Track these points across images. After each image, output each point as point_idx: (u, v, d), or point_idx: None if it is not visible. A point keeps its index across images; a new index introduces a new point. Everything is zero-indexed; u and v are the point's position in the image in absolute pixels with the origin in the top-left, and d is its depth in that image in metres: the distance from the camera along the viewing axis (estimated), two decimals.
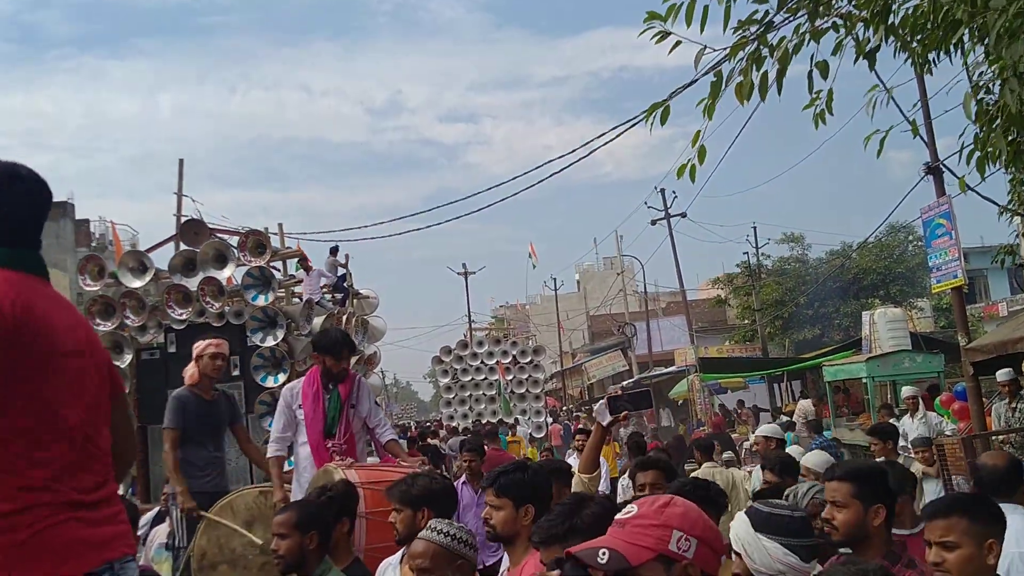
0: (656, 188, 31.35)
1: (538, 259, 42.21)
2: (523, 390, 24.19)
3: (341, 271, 14.36)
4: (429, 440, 17.56)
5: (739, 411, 24.88)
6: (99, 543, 2.29)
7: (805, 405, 19.23)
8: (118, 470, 2.55)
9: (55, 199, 2.56)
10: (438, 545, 3.23)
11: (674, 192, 29.83)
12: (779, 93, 4.34)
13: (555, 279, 50.18)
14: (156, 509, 7.27)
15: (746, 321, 33.34)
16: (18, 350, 2.19)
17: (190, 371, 6.10)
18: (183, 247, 11.06)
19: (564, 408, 40.46)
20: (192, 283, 10.50)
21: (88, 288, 10.90)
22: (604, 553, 1.87)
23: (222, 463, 6.13)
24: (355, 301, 14.16)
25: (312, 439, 5.58)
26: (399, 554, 4.21)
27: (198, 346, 6.18)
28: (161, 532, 6.41)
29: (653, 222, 30.20)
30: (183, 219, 12.07)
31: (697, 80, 5.31)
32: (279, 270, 11.81)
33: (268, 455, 5.59)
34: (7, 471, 2.18)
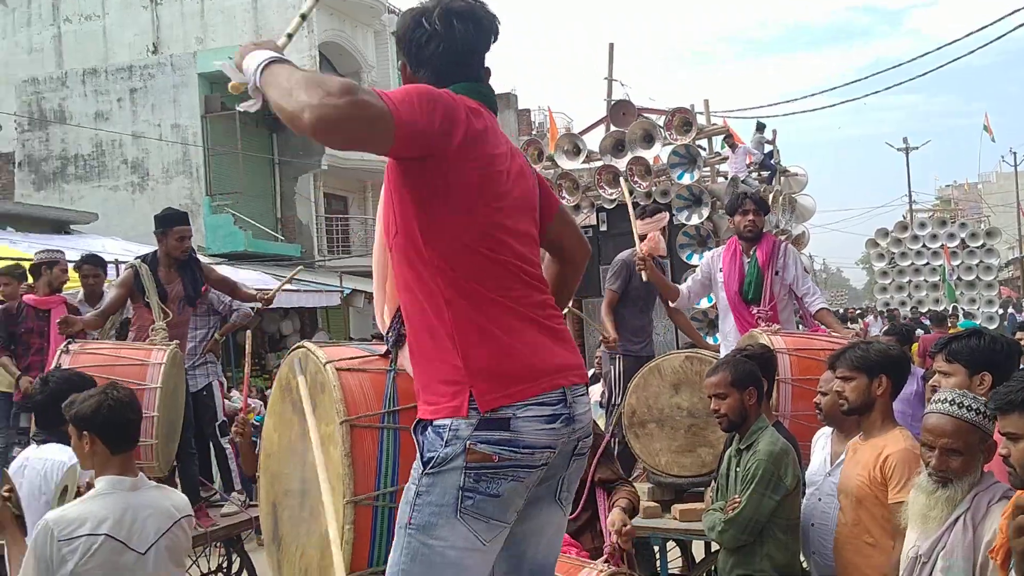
0: None
1: (994, 133, 37.41)
2: (972, 277, 22.07)
3: (768, 148, 13.89)
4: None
5: None
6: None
7: None
8: (560, 299, 2.63)
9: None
10: (965, 422, 2.84)
11: None
12: None
13: (1015, 154, 44.49)
14: (591, 372, 7.77)
15: None
16: (462, 162, 2.23)
17: (644, 246, 6.24)
18: (613, 128, 11.38)
19: (1020, 298, 36.28)
20: (621, 163, 10.82)
21: None
22: None
23: (651, 331, 6.36)
24: (782, 179, 13.67)
25: (733, 302, 5.63)
26: (827, 430, 4.09)
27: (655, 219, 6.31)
28: (595, 392, 6.85)
29: None
30: (611, 102, 12.38)
31: None
32: (704, 148, 11.70)
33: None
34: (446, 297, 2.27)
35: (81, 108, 19.51)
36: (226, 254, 17.64)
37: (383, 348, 3.32)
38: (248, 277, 14.80)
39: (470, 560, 2.23)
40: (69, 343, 5.16)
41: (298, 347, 3.68)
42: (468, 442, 2.20)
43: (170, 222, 5.92)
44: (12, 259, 8.22)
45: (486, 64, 2.48)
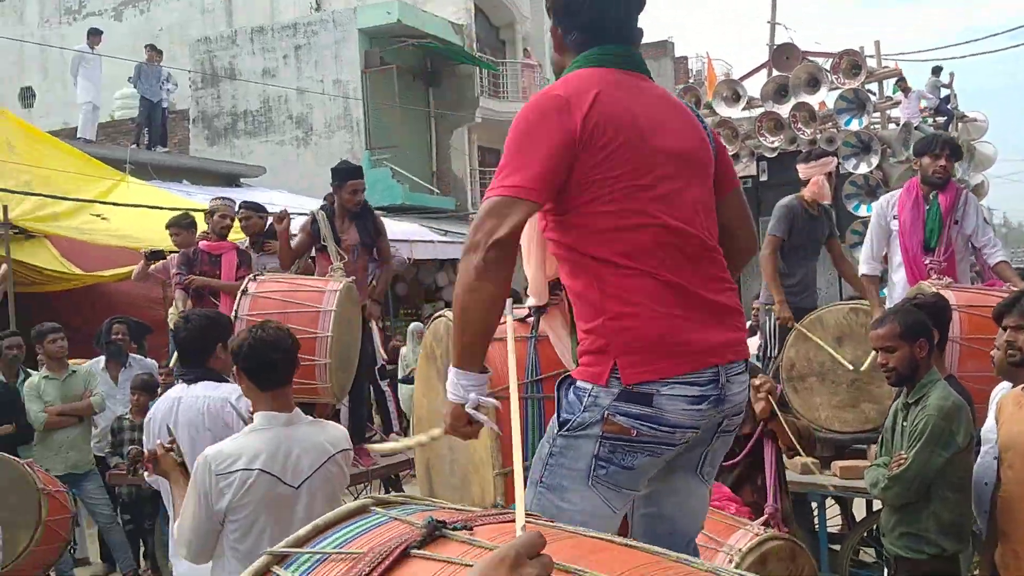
0: None
1: None
2: None
3: (944, 92, 13.10)
4: None
5: None
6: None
7: None
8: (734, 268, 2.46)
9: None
10: None
11: None
12: None
13: None
14: (748, 324, 7.58)
15: None
16: (597, 147, 2.18)
17: (809, 190, 5.98)
18: (775, 73, 10.97)
19: None
20: (783, 110, 10.43)
21: None
22: None
23: (814, 281, 6.09)
24: (960, 125, 12.88)
25: (908, 250, 5.25)
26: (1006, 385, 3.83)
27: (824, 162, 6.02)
28: (752, 344, 6.65)
29: None
30: (774, 46, 11.92)
31: None
32: (874, 93, 11.12)
33: (862, 274, 5.40)
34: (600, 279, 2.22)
35: (249, 65, 20.33)
36: (384, 207, 18.09)
37: (523, 311, 3.29)
38: (406, 230, 15.19)
39: (598, 523, 2.16)
40: (257, 275, 5.53)
41: (439, 316, 3.73)
42: (607, 411, 2.16)
43: (345, 176, 6.18)
44: (189, 209, 8.67)
45: (638, 26, 2.40)
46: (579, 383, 2.23)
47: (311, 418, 3.36)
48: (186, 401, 3.83)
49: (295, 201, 12.94)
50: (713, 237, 2.33)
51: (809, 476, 4.73)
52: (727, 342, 2.25)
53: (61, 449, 6.51)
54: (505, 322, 3.24)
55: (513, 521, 1.35)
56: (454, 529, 1.29)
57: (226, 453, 3.13)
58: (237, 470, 3.07)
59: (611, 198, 2.19)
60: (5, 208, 9.28)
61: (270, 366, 3.19)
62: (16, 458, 5.65)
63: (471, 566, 1.11)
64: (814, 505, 4.93)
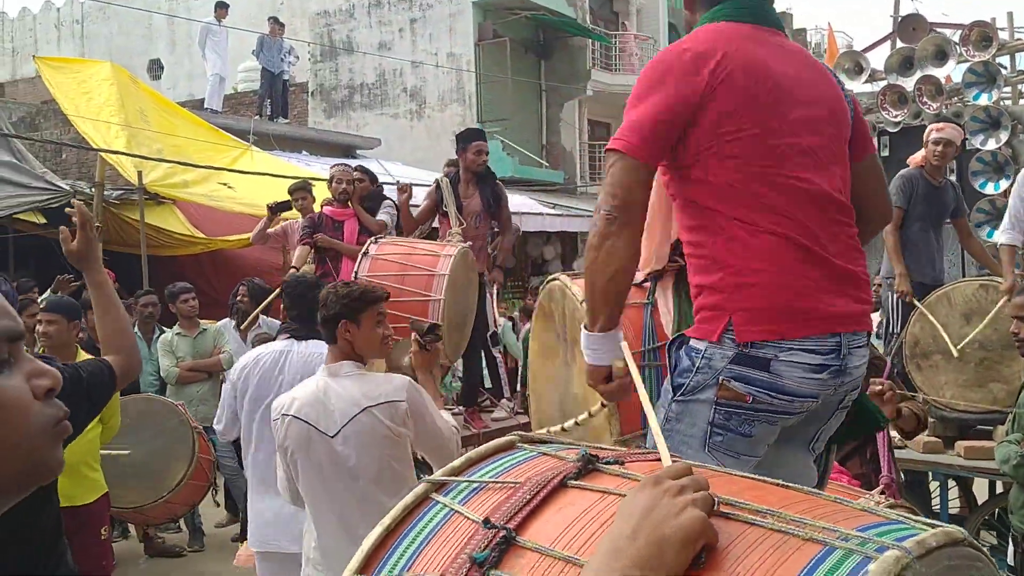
0: None
1: None
2: None
3: None
4: None
5: None
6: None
7: None
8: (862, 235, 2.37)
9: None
10: None
11: None
12: None
13: None
14: None
15: None
16: (725, 102, 2.13)
17: (919, 154, 5.93)
18: (900, 45, 10.59)
19: None
20: (908, 83, 10.08)
21: None
22: None
23: (938, 255, 5.93)
24: None
25: None
26: None
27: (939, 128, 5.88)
28: (872, 320, 6.51)
29: None
30: (899, 17, 11.50)
31: None
32: (1005, 67, 10.63)
33: (1000, 243, 5.22)
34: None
35: (366, 39, 20.72)
36: None
37: (641, 276, 3.30)
38: (515, 202, 15.23)
39: None
40: (379, 237, 5.76)
41: (553, 279, 3.77)
42: (721, 376, 2.10)
43: (469, 138, 6.39)
44: (309, 178, 8.97)
45: None
46: (691, 342, 2.18)
47: (362, 371, 3.38)
48: (296, 355, 4.04)
49: (408, 172, 13.19)
50: (847, 201, 2.25)
51: (932, 455, 4.63)
52: (852, 312, 2.17)
53: (191, 403, 6.85)
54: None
55: (660, 460, 1.40)
56: (606, 463, 1.35)
57: (278, 402, 3.37)
58: (278, 417, 3.30)
59: (742, 153, 2.13)
60: (140, 174, 9.76)
61: (324, 324, 3.36)
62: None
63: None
64: (933, 486, 4.83)
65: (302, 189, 7.59)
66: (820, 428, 2.27)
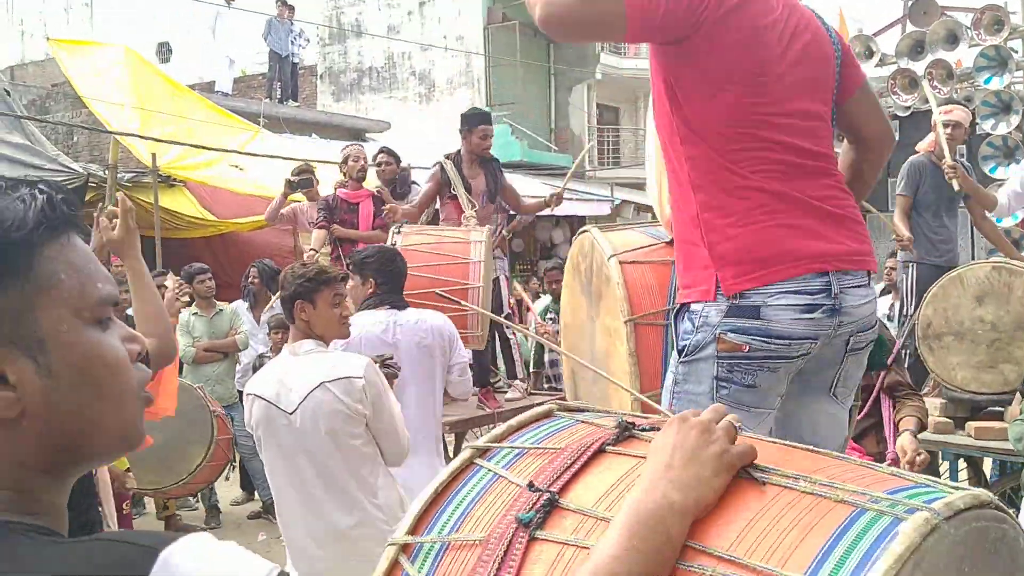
0: None
1: None
2: None
3: None
4: None
5: None
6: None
7: None
8: (856, 192, 2.37)
9: None
10: None
11: None
12: None
13: None
14: (882, 284, 7.46)
15: None
16: (718, 34, 2.10)
17: (927, 139, 5.97)
18: (911, 28, 10.58)
19: None
20: (919, 67, 10.09)
21: None
22: None
23: (949, 238, 5.98)
24: None
25: None
26: None
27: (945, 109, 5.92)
28: (882, 304, 6.57)
29: None
30: (911, 1, 11.48)
31: None
32: (1016, 51, 10.62)
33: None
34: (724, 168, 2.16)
35: (375, 21, 20.69)
36: (503, 164, 18.25)
37: (670, 235, 3.32)
38: (523, 186, 15.28)
39: None
40: (400, 226, 5.76)
41: (584, 231, 3.79)
42: (718, 330, 2.14)
43: (474, 121, 6.37)
44: (320, 162, 9.01)
45: None
46: (691, 307, 2.21)
47: (322, 349, 3.42)
48: (405, 324, 4.17)
49: (417, 156, 13.20)
50: (828, 148, 2.27)
51: (942, 435, 4.69)
52: (841, 251, 2.18)
53: (208, 382, 6.92)
54: (645, 245, 3.28)
55: None
56: (642, 431, 1.41)
57: (252, 380, 3.54)
58: (248, 394, 3.41)
59: (717, 109, 2.14)
60: (154, 156, 9.82)
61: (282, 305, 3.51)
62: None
63: None
64: (946, 464, 4.89)
65: (307, 172, 7.54)
66: (836, 373, 2.29)
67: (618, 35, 2.15)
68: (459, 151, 6.36)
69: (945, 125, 5.77)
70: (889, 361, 4.06)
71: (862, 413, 4.03)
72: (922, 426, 4.09)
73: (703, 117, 2.16)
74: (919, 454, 3.63)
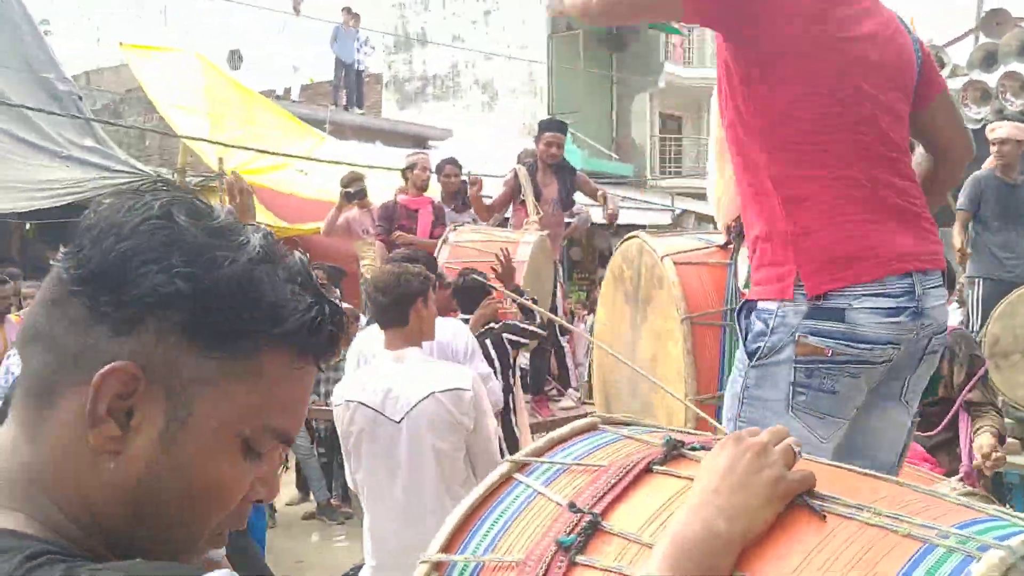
0: None
1: None
2: None
3: None
4: None
5: None
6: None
7: None
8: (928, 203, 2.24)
9: None
10: None
11: None
12: None
13: None
14: (953, 301, 7.26)
15: None
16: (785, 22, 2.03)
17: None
18: (983, 40, 10.31)
19: None
20: (991, 79, 9.83)
21: None
22: None
23: (1022, 253, 5.81)
24: None
25: None
26: None
27: None
28: (952, 317, 6.38)
29: None
30: (983, 12, 11.20)
31: None
32: None
33: None
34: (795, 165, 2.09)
35: (439, 30, 20.84)
36: None
37: (723, 238, 3.24)
38: (581, 196, 15.25)
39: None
40: (457, 225, 5.86)
41: (631, 237, 3.72)
42: (797, 333, 2.03)
43: (544, 127, 6.45)
44: (384, 168, 9.08)
45: None
46: (760, 305, 2.11)
47: (428, 358, 3.38)
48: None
49: (478, 165, 13.24)
50: (905, 145, 2.19)
51: (1010, 456, 4.53)
52: (920, 250, 2.09)
53: None
54: (697, 248, 3.21)
55: None
56: (692, 449, 1.34)
57: (342, 386, 3.38)
58: (341, 402, 3.27)
59: (792, 96, 2.06)
60: (220, 160, 10.00)
61: (378, 308, 3.35)
62: None
63: None
64: (1011, 484, 4.73)
65: (359, 180, 7.50)
66: (909, 376, 2.19)
67: (671, 15, 2.17)
68: (536, 158, 6.43)
69: (993, 142, 5.62)
70: (976, 376, 3.93)
71: (939, 427, 3.90)
72: (1001, 439, 3.96)
73: (776, 106, 2.08)
74: (996, 450, 3.48)
